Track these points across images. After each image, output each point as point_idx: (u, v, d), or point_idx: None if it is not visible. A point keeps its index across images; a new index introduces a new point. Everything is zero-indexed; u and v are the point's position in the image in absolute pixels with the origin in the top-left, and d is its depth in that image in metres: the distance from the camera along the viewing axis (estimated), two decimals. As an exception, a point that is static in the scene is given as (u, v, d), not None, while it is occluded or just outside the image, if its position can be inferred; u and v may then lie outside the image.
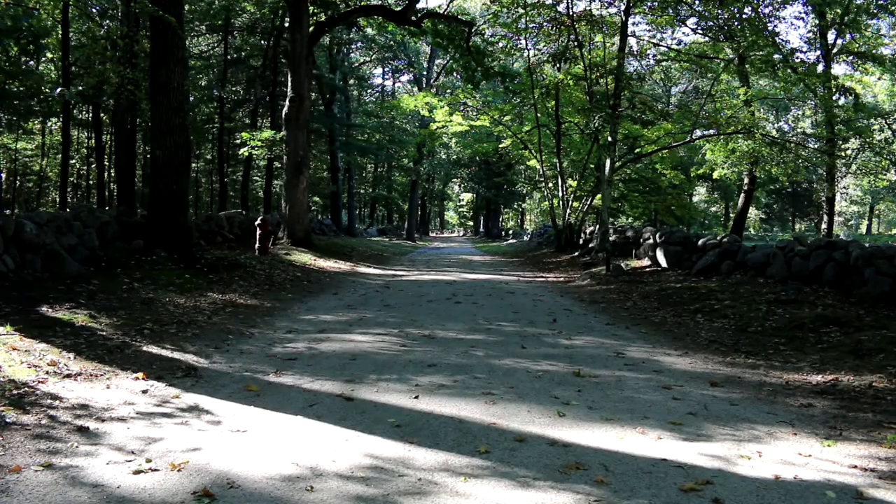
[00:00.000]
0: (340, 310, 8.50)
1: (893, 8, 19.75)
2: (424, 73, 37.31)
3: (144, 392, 4.29)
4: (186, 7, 17.56)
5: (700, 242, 12.46)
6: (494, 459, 3.25)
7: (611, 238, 16.91)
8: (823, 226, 23.43)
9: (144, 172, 24.83)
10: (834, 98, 19.45)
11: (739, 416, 4.13)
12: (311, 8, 17.48)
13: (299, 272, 12.44)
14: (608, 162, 17.65)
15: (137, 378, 4.60)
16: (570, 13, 18.79)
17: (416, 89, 36.48)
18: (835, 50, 21.61)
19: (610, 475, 3.07)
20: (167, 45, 10.73)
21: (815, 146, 21.67)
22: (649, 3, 17.61)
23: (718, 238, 12.12)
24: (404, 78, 47.14)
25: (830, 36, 21.35)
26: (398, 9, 19.07)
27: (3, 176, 25.87)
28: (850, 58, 22.33)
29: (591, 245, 18.09)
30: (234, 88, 28.30)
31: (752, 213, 43.47)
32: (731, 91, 20.91)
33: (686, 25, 19.91)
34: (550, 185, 23.40)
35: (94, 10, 18.31)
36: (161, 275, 9.00)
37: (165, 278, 8.85)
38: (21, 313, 5.94)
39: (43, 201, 27.90)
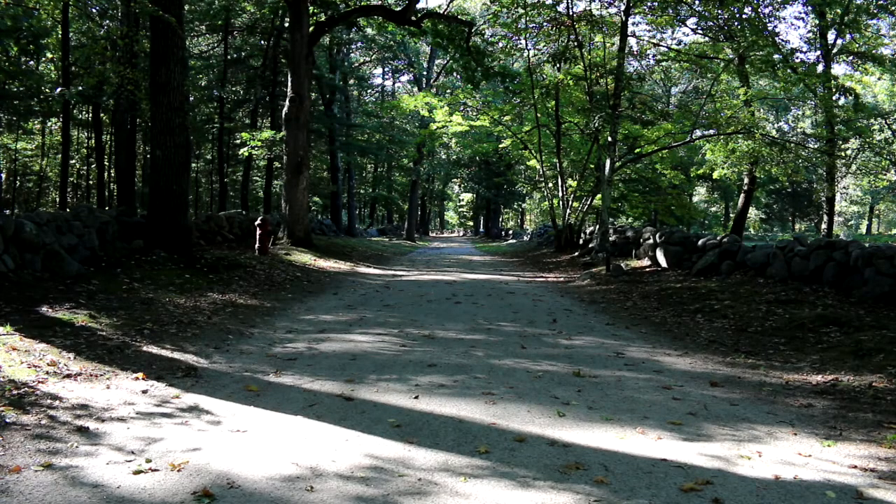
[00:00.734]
0: (340, 310, 8.51)
1: (893, 8, 19.75)
2: (424, 73, 37.31)
3: (144, 392, 4.29)
4: (186, 7, 17.58)
5: (700, 242, 12.46)
6: (494, 459, 3.25)
7: (611, 238, 16.91)
8: (823, 226, 23.44)
9: (144, 172, 24.84)
10: (834, 98, 19.46)
11: (739, 416, 4.13)
12: (311, 8, 17.49)
13: (299, 272, 12.44)
14: (608, 162, 17.65)
15: (137, 378, 4.60)
16: (570, 13, 18.79)
17: (416, 89, 36.48)
18: (835, 50, 21.63)
19: (610, 475, 3.07)
20: (167, 45, 10.74)
21: (815, 146, 21.68)
22: (649, 4, 17.62)
23: (718, 238, 12.12)
24: (404, 78, 47.18)
25: (830, 36, 21.37)
26: (398, 9, 19.08)
27: (3, 176, 25.87)
28: (850, 58, 22.35)
29: (590, 245, 18.09)
30: (234, 88, 28.31)
31: (752, 213, 43.49)
32: (731, 91, 20.91)
33: (686, 25, 19.92)
34: (550, 185, 23.40)
35: (94, 10, 18.32)
36: (161, 275, 9.00)
37: (165, 278, 8.85)
38: (21, 313, 5.94)
39: (43, 201, 27.90)
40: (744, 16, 17.63)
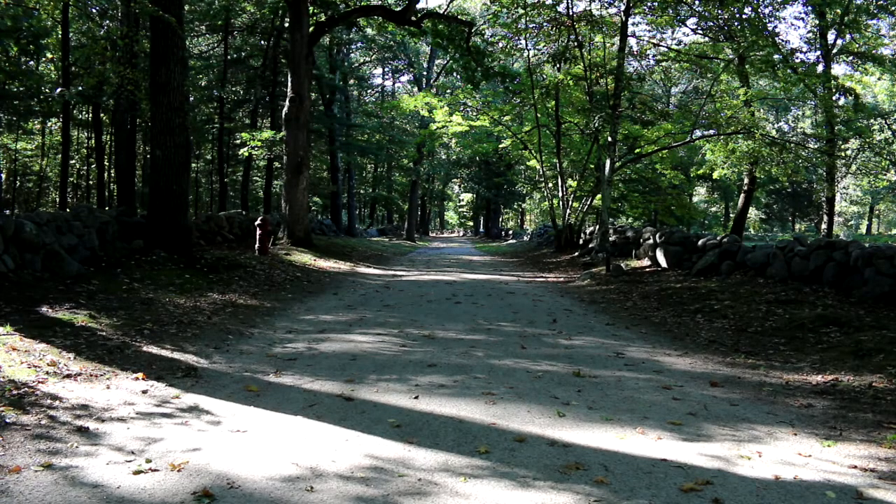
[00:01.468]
0: (340, 310, 8.50)
1: (893, 8, 19.76)
2: (424, 73, 37.31)
3: (144, 392, 4.29)
4: (186, 7, 17.57)
5: (700, 242, 12.46)
6: (494, 459, 3.25)
7: (611, 238, 16.91)
8: (823, 226, 23.45)
9: (144, 172, 24.84)
10: (834, 98, 19.47)
11: (739, 416, 4.13)
12: (311, 8, 17.49)
13: (299, 272, 12.44)
14: (608, 162, 17.65)
15: (137, 378, 4.59)
16: (570, 13, 18.79)
17: (416, 89, 36.49)
18: (835, 50, 21.63)
19: (610, 475, 3.07)
20: (167, 45, 10.74)
21: (815, 146, 21.68)
22: (649, 4, 17.62)
23: (718, 238, 12.12)
24: (404, 78, 47.18)
25: (830, 36, 21.37)
26: (398, 9, 19.08)
27: (3, 176, 25.86)
28: (850, 58, 22.36)
29: (590, 245, 18.09)
30: (234, 88, 28.30)
31: (752, 213, 43.49)
32: (731, 91, 20.91)
33: (686, 25, 19.94)
34: (550, 185, 23.41)
35: (94, 10, 18.31)
36: (161, 275, 9.00)
37: (165, 278, 8.85)
38: (21, 313, 5.94)
39: (43, 201, 27.89)
40: (744, 16, 17.63)
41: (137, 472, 2.95)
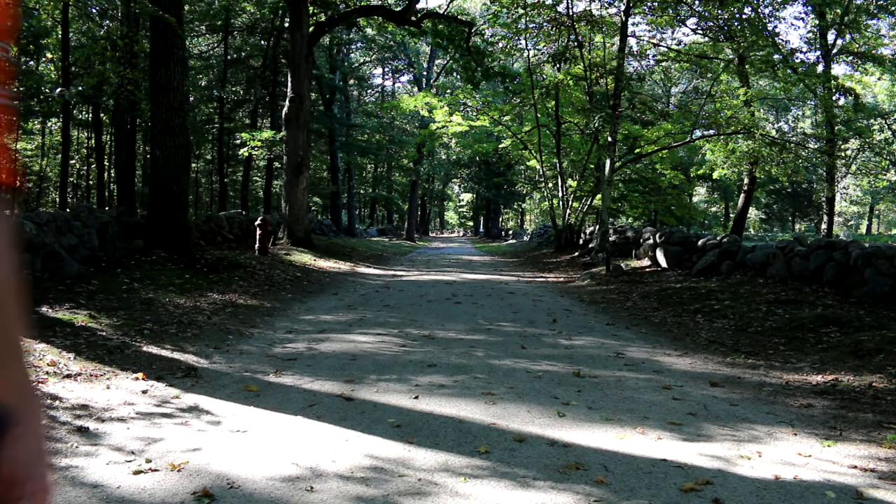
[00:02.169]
0: (340, 310, 8.50)
1: (893, 8, 19.76)
2: (424, 73, 37.31)
3: (144, 392, 4.29)
4: (186, 7, 17.57)
5: (700, 242, 12.46)
6: (494, 459, 3.25)
7: (611, 238, 16.91)
8: (823, 226, 23.45)
9: (144, 172, 24.82)
10: (834, 98, 19.46)
11: (739, 416, 4.13)
12: (311, 8, 17.48)
13: (299, 272, 12.44)
14: (608, 162, 17.65)
15: (137, 378, 4.59)
16: (570, 13, 18.78)
17: (416, 89, 36.47)
18: (835, 50, 21.63)
19: (610, 475, 3.07)
20: (167, 45, 10.73)
21: (815, 146, 21.68)
22: (649, 4, 17.62)
23: (718, 238, 12.12)
24: (404, 78, 47.17)
25: (830, 36, 21.37)
26: (398, 9, 19.07)
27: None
28: (850, 58, 22.36)
29: (590, 245, 18.08)
30: (234, 88, 28.30)
31: (752, 213, 43.48)
32: (731, 91, 20.91)
33: (686, 26, 19.94)
34: (550, 185, 23.40)
35: (94, 10, 18.31)
36: (161, 275, 9.00)
37: (165, 278, 8.85)
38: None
39: (43, 201, 27.89)
40: (744, 16, 17.63)
41: (137, 472, 2.95)
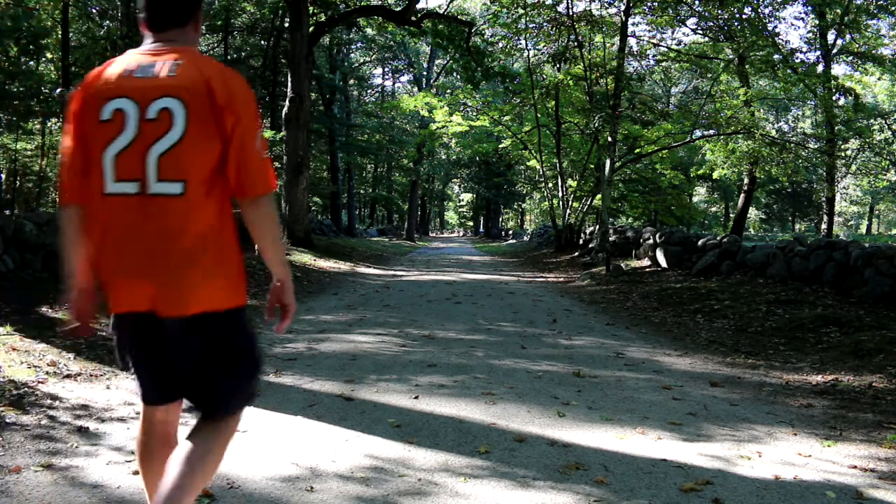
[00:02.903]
0: (340, 310, 8.50)
1: (893, 8, 19.77)
2: (424, 73, 37.33)
3: (144, 392, 4.28)
4: (186, 7, 17.54)
5: (700, 242, 12.47)
6: (494, 459, 3.25)
7: (611, 238, 16.91)
8: (823, 226, 23.46)
9: (144, 172, 24.79)
10: (834, 98, 19.46)
11: (739, 416, 4.13)
12: (311, 8, 17.48)
13: (299, 272, 12.44)
14: (608, 162, 17.66)
15: (137, 378, 4.59)
16: (570, 13, 18.79)
17: (416, 89, 36.49)
18: (835, 50, 21.64)
19: (610, 475, 3.07)
20: (167, 46, 10.72)
21: (815, 146, 21.69)
22: (649, 4, 17.62)
23: (718, 238, 12.12)
24: (404, 78, 47.19)
25: (830, 36, 21.37)
26: (398, 9, 19.08)
27: (3, 176, 25.86)
28: (850, 58, 22.37)
29: (590, 245, 18.09)
30: (234, 88, 28.28)
31: (752, 213, 43.50)
32: (731, 91, 20.92)
33: (686, 26, 19.94)
34: (550, 185, 23.41)
35: (93, 11, 18.31)
36: (161, 275, 8.99)
37: (165, 278, 8.84)
38: (21, 313, 5.94)
39: (43, 201, 27.88)
40: (744, 16, 17.63)
41: (137, 473, 2.94)
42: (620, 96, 17.76)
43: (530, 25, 19.98)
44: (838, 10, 19.75)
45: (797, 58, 19.24)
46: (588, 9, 19.13)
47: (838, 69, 25.77)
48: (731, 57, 18.89)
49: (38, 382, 4.21)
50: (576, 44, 19.17)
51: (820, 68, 20.11)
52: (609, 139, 17.71)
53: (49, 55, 19.25)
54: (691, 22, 19.77)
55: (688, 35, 25.09)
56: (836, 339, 6.42)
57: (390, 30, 23.18)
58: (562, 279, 14.07)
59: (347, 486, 2.89)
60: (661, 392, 4.66)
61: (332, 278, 12.68)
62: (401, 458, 3.23)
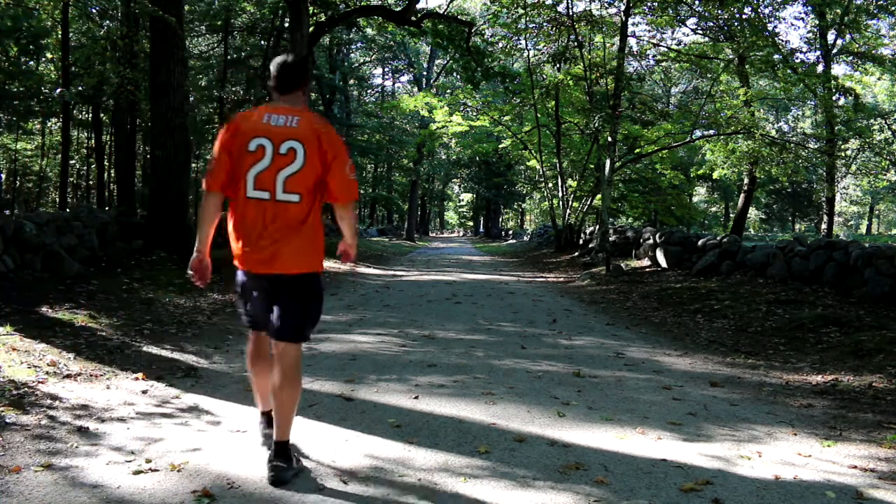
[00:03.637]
0: (340, 310, 8.50)
1: (893, 8, 19.77)
2: (424, 73, 37.34)
3: (144, 392, 4.29)
4: (186, 7, 17.56)
5: (700, 242, 12.46)
6: (494, 459, 3.25)
7: (611, 238, 16.92)
8: (823, 226, 23.48)
9: (144, 172, 24.82)
10: (834, 98, 19.47)
11: (739, 416, 4.13)
12: (311, 8, 17.47)
13: (299, 272, 12.42)
14: (608, 162, 17.66)
15: (137, 378, 4.59)
16: (570, 13, 18.79)
17: (416, 89, 36.50)
18: (835, 50, 21.64)
19: (610, 475, 3.07)
20: (167, 45, 10.73)
21: (815, 146, 21.69)
22: (649, 4, 17.62)
23: (718, 238, 12.12)
24: (404, 78, 47.22)
25: (830, 36, 21.38)
26: (398, 9, 19.06)
27: (3, 176, 25.86)
28: (850, 58, 22.37)
29: (590, 245, 18.09)
30: (234, 88, 28.28)
31: (752, 213, 43.50)
32: (731, 91, 20.92)
33: (686, 26, 19.94)
34: (550, 185, 23.41)
35: (93, 10, 18.30)
36: (161, 275, 9.00)
37: (165, 278, 8.85)
38: (21, 313, 5.94)
39: (43, 201, 27.88)
40: (744, 16, 17.63)
41: (137, 473, 2.95)
42: (620, 96, 17.76)
43: (530, 25, 19.98)
44: (838, 10, 19.75)
45: (797, 58, 19.25)
46: (588, 9, 19.14)
47: (838, 69, 25.81)
48: (731, 57, 18.89)
49: (38, 382, 4.21)
50: (576, 44, 19.17)
51: (820, 68, 20.12)
52: (609, 139, 17.71)
53: (49, 55, 19.25)
54: (691, 22, 19.79)
55: (688, 35, 25.13)
56: (836, 339, 6.42)
57: (390, 30, 23.17)
58: (562, 279, 14.07)
59: (347, 486, 2.90)
60: (661, 392, 4.66)
61: (331, 278, 12.68)
62: (401, 458, 3.23)
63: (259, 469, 3.03)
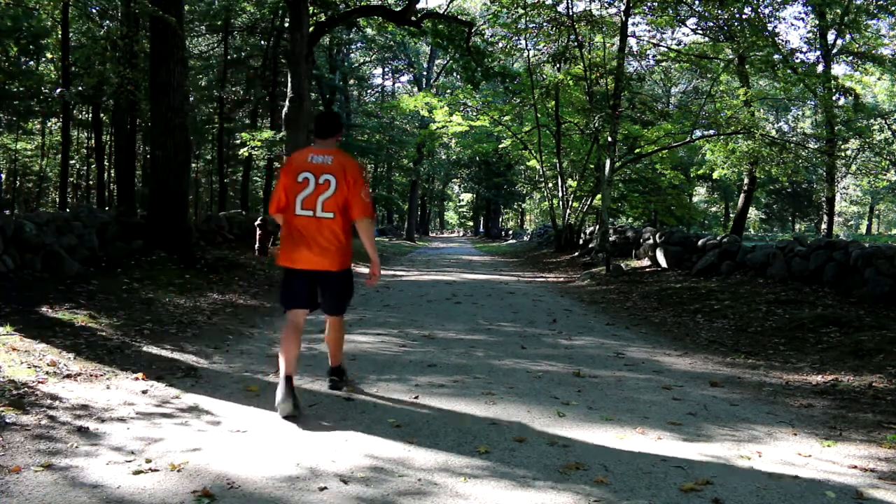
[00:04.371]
0: (340, 310, 8.49)
1: (893, 8, 19.78)
2: (424, 73, 37.34)
3: (144, 392, 4.29)
4: (186, 7, 17.55)
5: (700, 242, 12.46)
6: (494, 459, 3.25)
7: (611, 238, 16.92)
8: (823, 226, 23.48)
9: (144, 172, 24.82)
10: (834, 98, 19.47)
11: (739, 416, 4.13)
12: (311, 8, 17.47)
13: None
14: (608, 162, 17.66)
15: (137, 378, 4.59)
16: (570, 13, 18.79)
17: (416, 89, 36.50)
18: (835, 50, 21.65)
19: (610, 475, 3.07)
20: (167, 45, 10.72)
21: (815, 146, 21.69)
22: (649, 4, 17.62)
23: (718, 238, 12.12)
24: (404, 78, 47.23)
25: (830, 36, 21.38)
26: (398, 9, 19.05)
27: (3, 176, 25.86)
28: (850, 58, 22.37)
29: (590, 245, 18.09)
30: (234, 88, 28.29)
31: (752, 213, 43.50)
32: (730, 91, 20.93)
33: (686, 26, 19.94)
34: (550, 185, 23.41)
35: (93, 10, 18.30)
36: (161, 275, 9.00)
37: (165, 278, 8.85)
38: (21, 313, 5.94)
39: (43, 201, 27.88)
40: (744, 16, 17.63)
41: (137, 473, 2.95)
42: (620, 96, 17.75)
43: (530, 25, 19.98)
44: (838, 10, 19.76)
45: (797, 58, 19.26)
46: (588, 9, 19.13)
47: (838, 69, 25.82)
48: (731, 57, 18.88)
49: (38, 382, 4.20)
50: (576, 44, 19.17)
51: (820, 68, 20.12)
52: (609, 139, 17.70)
53: (49, 55, 19.26)
54: (691, 22, 19.78)
55: (688, 35, 25.12)
56: (836, 339, 6.42)
57: (390, 30, 23.15)
58: (562, 279, 14.07)
59: (347, 486, 2.90)
60: (661, 392, 4.66)
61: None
62: (401, 458, 3.23)
63: (259, 469, 3.03)
